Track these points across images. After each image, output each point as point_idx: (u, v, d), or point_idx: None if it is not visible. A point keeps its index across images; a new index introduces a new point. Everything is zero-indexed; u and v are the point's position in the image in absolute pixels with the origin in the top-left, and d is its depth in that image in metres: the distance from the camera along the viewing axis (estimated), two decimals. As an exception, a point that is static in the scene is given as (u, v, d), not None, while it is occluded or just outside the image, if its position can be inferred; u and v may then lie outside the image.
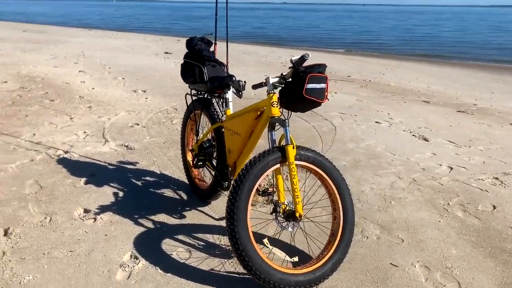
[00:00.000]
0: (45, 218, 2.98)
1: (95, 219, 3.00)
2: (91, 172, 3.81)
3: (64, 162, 4.02)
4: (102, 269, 2.44)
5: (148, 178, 3.74)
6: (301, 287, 2.24)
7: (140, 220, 3.01)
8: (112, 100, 6.65)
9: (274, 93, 2.45)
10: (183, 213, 3.15)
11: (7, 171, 3.75)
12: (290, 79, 2.43)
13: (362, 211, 3.28)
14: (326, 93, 2.41)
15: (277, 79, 2.47)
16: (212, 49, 3.31)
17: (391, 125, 5.74)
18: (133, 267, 2.48)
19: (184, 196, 3.41)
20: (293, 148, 2.34)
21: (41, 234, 2.78)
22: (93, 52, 12.74)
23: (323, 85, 2.37)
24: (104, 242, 2.72)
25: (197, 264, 2.52)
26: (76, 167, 3.90)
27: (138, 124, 5.34)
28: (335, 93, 7.89)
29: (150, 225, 2.95)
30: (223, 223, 3.01)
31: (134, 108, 6.14)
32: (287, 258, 2.57)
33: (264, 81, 2.47)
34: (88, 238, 2.75)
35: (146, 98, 6.90)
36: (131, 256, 2.58)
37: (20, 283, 2.29)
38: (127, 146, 4.51)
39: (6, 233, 2.78)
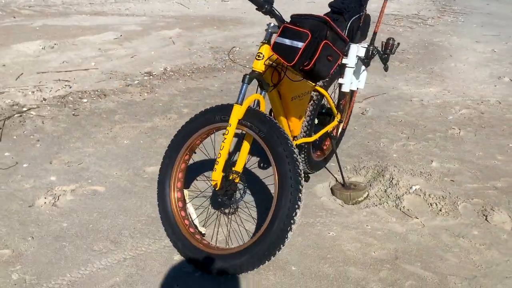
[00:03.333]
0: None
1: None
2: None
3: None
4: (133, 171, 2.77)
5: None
6: (207, 268, 1.97)
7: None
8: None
9: (264, 43, 1.97)
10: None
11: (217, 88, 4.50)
12: None
13: None
14: (298, 55, 1.79)
15: (277, 27, 1.95)
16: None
17: None
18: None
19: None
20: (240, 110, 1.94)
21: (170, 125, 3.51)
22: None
23: (297, 44, 1.81)
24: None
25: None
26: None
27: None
28: None
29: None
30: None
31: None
32: (196, 222, 2.20)
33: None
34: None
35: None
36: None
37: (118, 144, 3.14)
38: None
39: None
